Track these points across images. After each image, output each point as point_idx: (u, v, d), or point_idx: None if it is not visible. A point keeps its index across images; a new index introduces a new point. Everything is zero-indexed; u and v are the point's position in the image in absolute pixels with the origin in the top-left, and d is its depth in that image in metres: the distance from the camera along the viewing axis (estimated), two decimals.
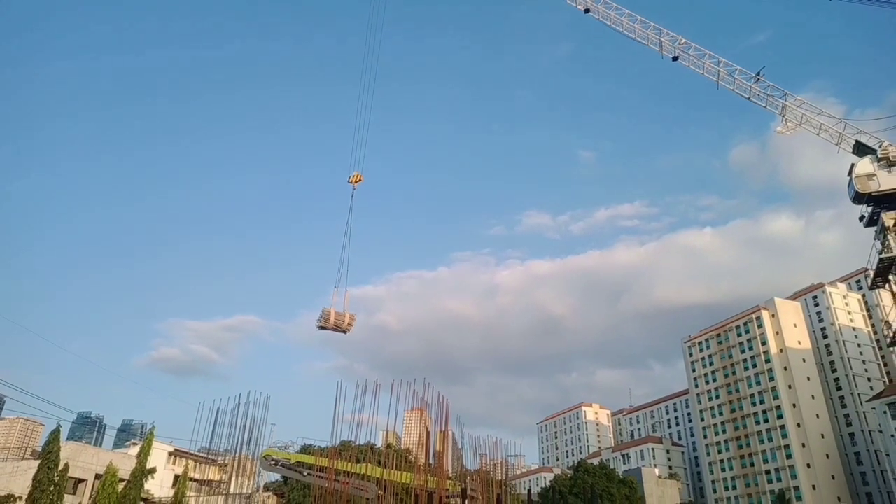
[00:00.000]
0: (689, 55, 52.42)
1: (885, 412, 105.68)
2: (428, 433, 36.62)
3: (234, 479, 40.97)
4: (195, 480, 65.52)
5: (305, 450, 58.10)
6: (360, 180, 40.99)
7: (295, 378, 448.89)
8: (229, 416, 35.35)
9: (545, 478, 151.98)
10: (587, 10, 55.97)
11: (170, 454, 70.75)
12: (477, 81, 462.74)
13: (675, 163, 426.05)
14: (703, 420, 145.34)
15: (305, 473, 44.79)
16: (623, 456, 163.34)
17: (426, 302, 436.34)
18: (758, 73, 49.92)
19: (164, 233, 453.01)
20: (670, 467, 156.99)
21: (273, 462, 46.46)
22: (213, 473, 60.59)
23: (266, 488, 70.35)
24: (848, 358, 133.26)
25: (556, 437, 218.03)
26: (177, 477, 62.02)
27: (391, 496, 39.01)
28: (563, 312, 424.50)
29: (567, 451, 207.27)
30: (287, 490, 67.92)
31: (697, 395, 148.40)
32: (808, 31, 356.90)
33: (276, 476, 63.93)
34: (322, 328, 36.28)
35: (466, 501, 38.78)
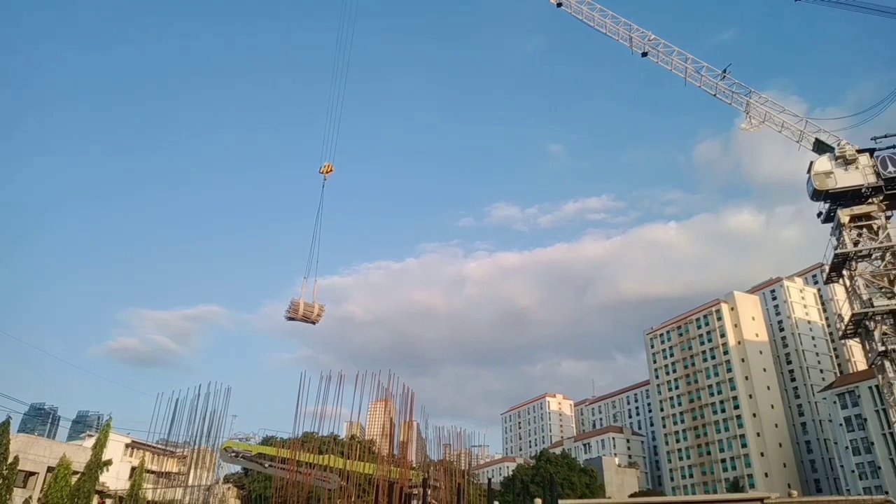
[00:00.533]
0: (659, 51, 52.81)
1: (834, 402, 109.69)
2: (392, 424, 36.35)
3: (192, 470, 40.00)
4: (152, 472, 64.17)
5: (267, 441, 57.44)
6: (331, 170, 40.68)
7: (258, 369, 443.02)
8: (189, 407, 34.44)
9: (508, 467, 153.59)
10: (559, 4, 55.92)
11: (127, 446, 69.05)
12: (448, 75, 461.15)
13: (641, 157, 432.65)
14: (662, 410, 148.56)
15: (266, 465, 44.22)
16: (585, 445, 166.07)
17: (393, 293, 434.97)
18: (724, 71, 50.58)
19: (126, 222, 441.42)
20: (630, 456, 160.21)
21: (233, 454, 45.77)
22: (171, 465, 59.29)
23: (226, 480, 69.35)
24: (802, 350, 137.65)
25: (520, 428, 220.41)
26: (133, 469, 60.62)
27: (354, 487, 38.75)
28: (529, 304, 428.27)
29: (531, 441, 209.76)
30: (247, 482, 67.11)
31: (658, 385, 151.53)
32: (773, 29, 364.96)
33: (237, 468, 63.06)
34: (291, 319, 36.12)
35: (429, 491, 38.79)
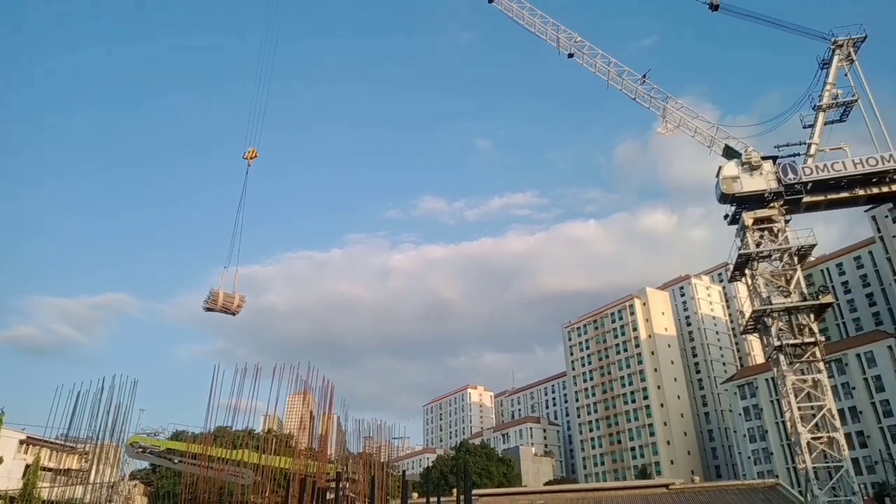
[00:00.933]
0: (584, 53, 53.99)
1: (735, 393, 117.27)
2: (312, 417, 35.64)
3: (95, 467, 37.77)
4: (50, 470, 60.25)
5: (178, 436, 55.11)
6: (255, 156, 39.18)
7: (170, 361, 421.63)
8: (91, 400, 32.32)
9: (428, 458, 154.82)
10: (490, 0, 56.33)
11: (21, 442, 64.58)
12: (378, 67, 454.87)
13: (565, 156, 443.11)
14: (577, 400, 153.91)
15: (176, 461, 42.37)
16: (503, 435, 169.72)
17: (317, 283, 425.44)
18: (644, 76, 52.37)
19: (24, 203, 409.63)
20: (546, 445, 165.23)
21: (140, 449, 43.59)
22: (71, 462, 55.94)
23: (133, 477, 66.14)
24: (707, 344, 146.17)
25: (441, 419, 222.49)
26: (28, 467, 56.72)
27: (269, 481, 37.75)
28: (454, 297, 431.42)
29: (451, 432, 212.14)
30: (156, 478, 64.31)
31: (574, 377, 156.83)
32: (691, 37, 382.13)
33: (145, 464, 60.30)
34: (209, 310, 35.07)
35: (347, 484, 38.39)
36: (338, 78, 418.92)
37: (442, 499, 18.67)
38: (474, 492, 62.62)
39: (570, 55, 54.24)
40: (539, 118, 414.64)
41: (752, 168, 47.73)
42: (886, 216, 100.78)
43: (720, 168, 48.93)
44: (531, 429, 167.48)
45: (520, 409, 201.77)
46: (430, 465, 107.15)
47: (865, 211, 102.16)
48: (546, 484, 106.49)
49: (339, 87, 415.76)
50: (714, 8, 51.44)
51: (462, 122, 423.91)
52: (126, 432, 37.21)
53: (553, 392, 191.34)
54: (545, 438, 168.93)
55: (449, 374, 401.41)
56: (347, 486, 39.78)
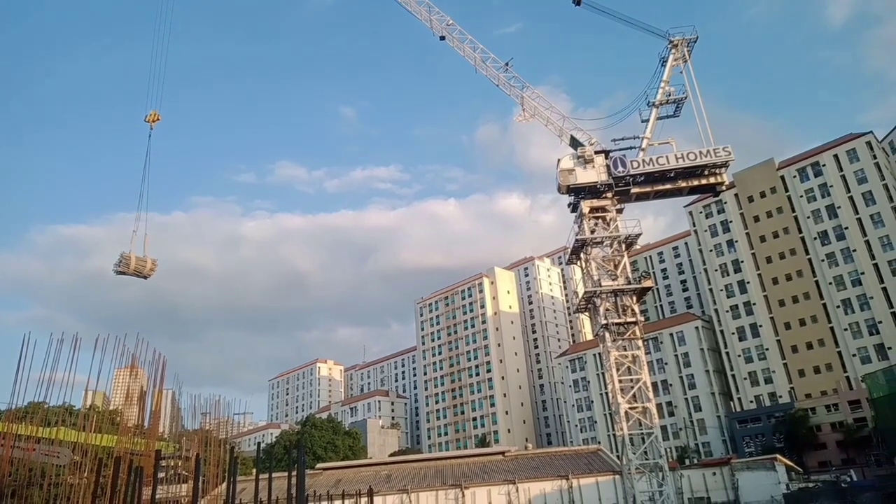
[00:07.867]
0: (454, 37, 54.45)
1: (567, 367, 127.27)
2: (144, 393, 33.39)
3: None
4: None
5: None
6: (157, 119, 39.67)
7: None
8: None
9: (272, 434, 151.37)
10: None
11: None
12: (240, 20, 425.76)
13: (429, 133, 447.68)
14: (426, 374, 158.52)
15: None
16: (351, 409, 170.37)
17: (155, 248, 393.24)
18: (507, 63, 54.02)
19: None
20: (393, 418, 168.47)
21: None
22: None
23: None
24: (545, 321, 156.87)
25: (288, 394, 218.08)
26: None
27: (91, 461, 34.92)
28: (309, 269, 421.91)
29: (298, 407, 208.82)
30: None
31: (423, 351, 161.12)
32: (552, 29, 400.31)
33: None
34: (121, 273, 35.57)
35: (179, 462, 36.67)
36: (196, 28, 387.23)
37: (274, 473, 18.40)
38: (319, 465, 62.51)
39: (442, 38, 54.36)
40: (406, 93, 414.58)
41: (586, 161, 51.15)
42: (701, 212, 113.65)
43: (559, 160, 52.00)
44: (379, 402, 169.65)
45: (370, 383, 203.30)
46: (273, 440, 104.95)
47: (685, 206, 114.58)
48: (391, 455, 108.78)
49: (196, 39, 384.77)
50: (577, 2, 53.88)
51: (327, 87, 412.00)
52: None
53: (403, 366, 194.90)
54: (393, 411, 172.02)
55: (301, 348, 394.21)
56: (180, 464, 37.89)
